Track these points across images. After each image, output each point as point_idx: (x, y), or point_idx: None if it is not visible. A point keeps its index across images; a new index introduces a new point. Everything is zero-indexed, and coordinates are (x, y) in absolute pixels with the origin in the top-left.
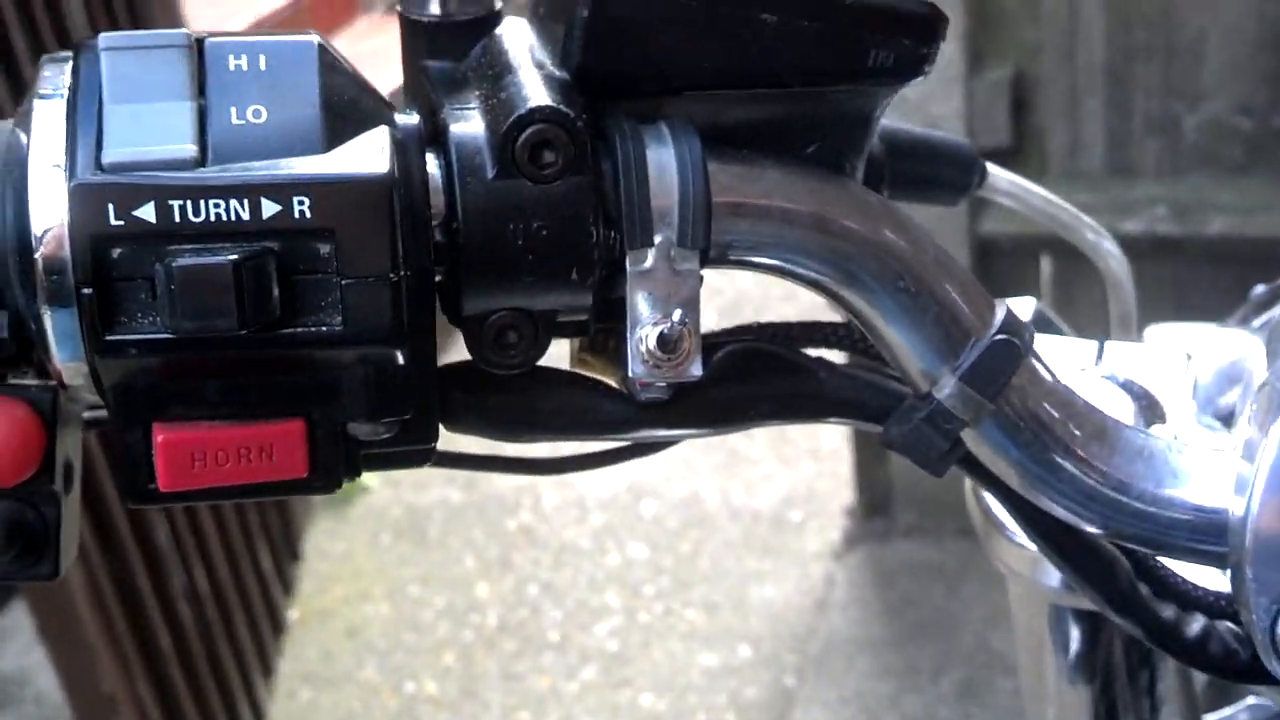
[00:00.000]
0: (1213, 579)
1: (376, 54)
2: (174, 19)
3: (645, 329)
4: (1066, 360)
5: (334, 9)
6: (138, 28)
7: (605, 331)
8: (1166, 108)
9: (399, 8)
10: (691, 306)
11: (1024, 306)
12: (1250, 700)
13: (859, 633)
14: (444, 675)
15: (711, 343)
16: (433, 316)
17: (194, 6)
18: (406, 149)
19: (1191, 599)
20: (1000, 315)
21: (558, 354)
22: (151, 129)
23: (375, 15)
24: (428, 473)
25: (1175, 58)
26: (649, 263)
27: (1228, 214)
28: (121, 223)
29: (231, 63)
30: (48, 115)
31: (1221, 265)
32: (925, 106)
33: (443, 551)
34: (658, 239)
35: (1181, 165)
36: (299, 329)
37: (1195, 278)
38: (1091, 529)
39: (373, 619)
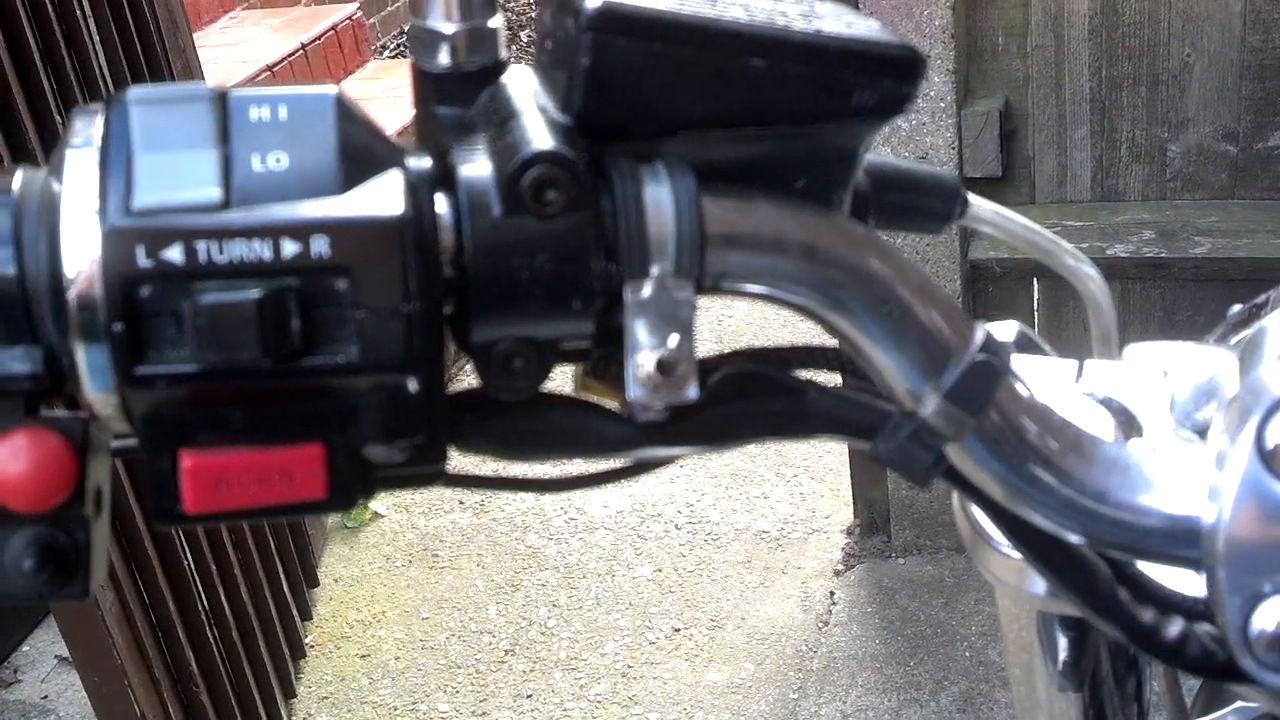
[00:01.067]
0: (1189, 583)
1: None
2: (190, 64)
3: (644, 354)
4: (1048, 379)
5: (344, 53)
6: (155, 74)
7: (606, 357)
8: (1151, 136)
9: (411, 59)
10: (687, 332)
11: (1007, 329)
12: (1238, 704)
13: (860, 649)
14: (456, 695)
15: (707, 366)
16: (442, 345)
17: (209, 50)
18: (418, 190)
19: (1170, 602)
20: (980, 337)
21: (562, 379)
22: (179, 175)
23: (384, 59)
24: (438, 498)
25: (1160, 87)
26: (646, 292)
27: (1213, 237)
28: (151, 263)
29: (253, 113)
30: (79, 163)
31: (1207, 286)
32: (917, 137)
33: (454, 574)
34: (654, 270)
35: (1167, 191)
36: (318, 359)
37: (1182, 298)
38: (1072, 537)
39: (386, 641)
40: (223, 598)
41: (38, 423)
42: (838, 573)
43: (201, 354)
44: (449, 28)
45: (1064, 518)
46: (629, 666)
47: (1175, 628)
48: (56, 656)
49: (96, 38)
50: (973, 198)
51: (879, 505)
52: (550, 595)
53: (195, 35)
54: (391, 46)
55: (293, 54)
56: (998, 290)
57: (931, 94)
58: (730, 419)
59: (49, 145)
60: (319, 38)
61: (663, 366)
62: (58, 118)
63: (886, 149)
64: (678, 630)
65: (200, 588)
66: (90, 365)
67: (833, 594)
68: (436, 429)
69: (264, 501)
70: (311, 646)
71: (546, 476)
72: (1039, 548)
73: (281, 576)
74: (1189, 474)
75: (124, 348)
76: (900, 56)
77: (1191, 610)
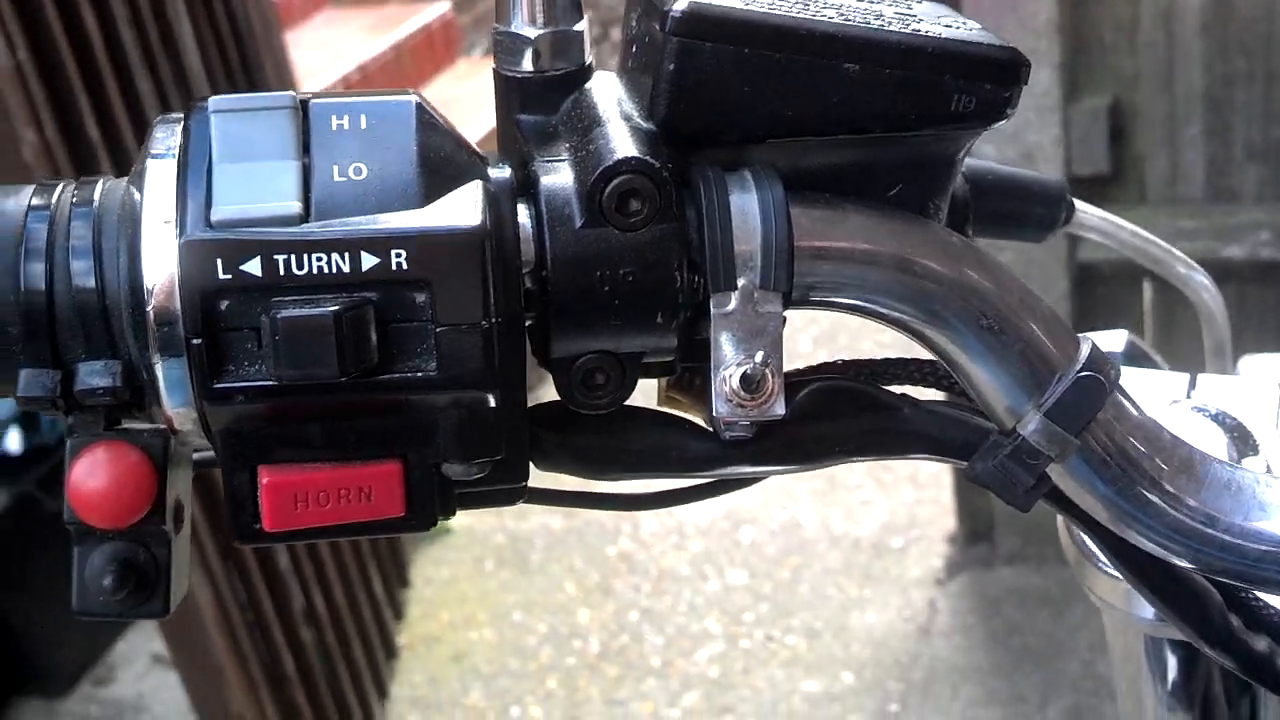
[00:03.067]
0: None
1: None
2: (282, 64)
3: (729, 369)
4: (1158, 393)
5: (434, 52)
6: (249, 73)
7: (692, 370)
8: (1268, 134)
9: (494, 64)
10: (775, 347)
11: (1115, 339)
12: None
13: (963, 660)
14: (548, 700)
15: (795, 380)
16: (523, 360)
17: (301, 50)
18: (499, 201)
19: None
20: (1085, 351)
21: (647, 389)
22: (258, 187)
23: (474, 57)
24: None
25: (1275, 84)
26: (732, 305)
27: None
28: (229, 277)
29: (334, 123)
30: (160, 174)
31: None
32: (1022, 135)
33: (545, 578)
34: (741, 282)
35: None
36: (396, 374)
37: None
38: (1181, 563)
39: (478, 644)
40: (318, 597)
41: (118, 437)
42: (939, 582)
43: (279, 369)
44: (533, 32)
45: (1172, 543)
46: (722, 674)
47: None
48: (152, 655)
49: (192, 39)
50: (1079, 204)
51: (983, 513)
52: (642, 600)
53: (288, 34)
54: (482, 45)
55: (384, 53)
56: (1107, 292)
57: (1037, 90)
58: (819, 437)
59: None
60: (410, 37)
61: (748, 382)
62: (154, 115)
63: (990, 148)
64: (772, 638)
65: (296, 587)
66: (168, 380)
67: (934, 603)
68: (517, 446)
69: (342, 519)
70: (404, 647)
71: (629, 493)
72: (1146, 573)
73: (375, 577)
74: None
75: (202, 362)
76: (1002, 59)
77: None
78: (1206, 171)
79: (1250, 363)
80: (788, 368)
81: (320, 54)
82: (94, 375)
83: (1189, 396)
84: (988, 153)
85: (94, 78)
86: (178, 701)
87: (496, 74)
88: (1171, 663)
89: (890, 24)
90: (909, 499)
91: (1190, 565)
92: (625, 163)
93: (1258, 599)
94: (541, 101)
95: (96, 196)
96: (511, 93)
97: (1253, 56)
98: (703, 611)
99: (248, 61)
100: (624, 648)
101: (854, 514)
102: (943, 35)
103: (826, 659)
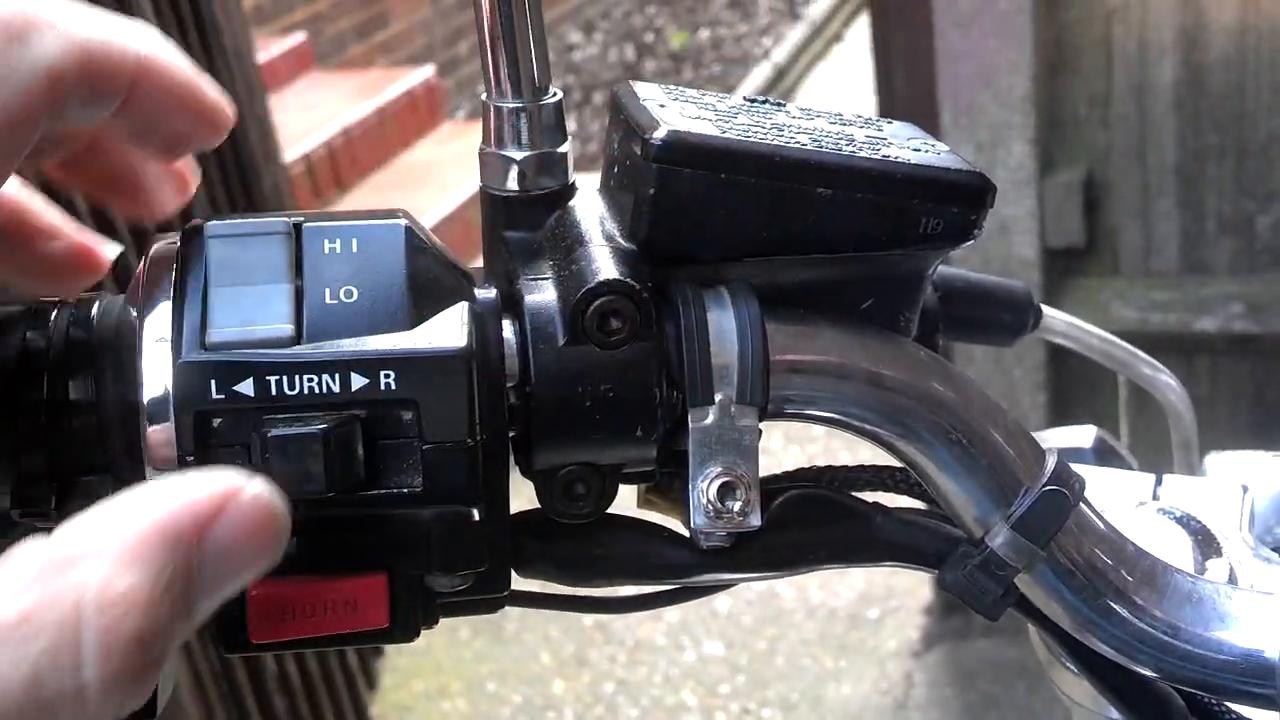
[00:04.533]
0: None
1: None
2: (266, 130)
3: (706, 481)
4: (1125, 494)
5: (418, 116)
6: (234, 140)
7: (671, 474)
8: (1239, 208)
9: (481, 182)
10: (751, 459)
11: (1084, 435)
12: None
13: None
14: None
15: (770, 488)
16: (507, 473)
17: (286, 114)
18: (484, 321)
19: None
20: (1050, 465)
21: (626, 491)
22: (252, 309)
23: (458, 120)
24: None
25: (1247, 159)
26: (710, 419)
27: None
28: (222, 396)
29: (326, 246)
30: (155, 295)
31: None
32: (998, 208)
33: (519, 648)
34: (718, 396)
35: (1257, 264)
36: (382, 490)
37: (1273, 373)
38: (1144, 670)
39: (450, 715)
40: (292, 665)
41: None
42: (916, 654)
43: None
44: (519, 154)
45: (1136, 651)
46: None
47: None
48: None
49: None
50: (1046, 310)
51: None
52: (617, 671)
53: (271, 97)
54: (465, 109)
55: (368, 117)
56: (1081, 365)
57: (1012, 163)
58: (793, 546)
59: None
60: (394, 101)
61: (725, 494)
62: None
63: None
64: (748, 711)
65: (269, 655)
66: None
67: (910, 676)
68: (500, 557)
69: (327, 631)
70: (377, 717)
71: (608, 597)
72: (1110, 679)
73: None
74: (1263, 608)
75: None
76: (969, 184)
77: None
78: (1180, 244)
79: (1216, 461)
80: (763, 472)
81: (305, 117)
82: (89, 492)
83: (1155, 497)
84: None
85: None
86: None
87: (483, 191)
88: None
89: (861, 149)
90: (885, 569)
91: (1153, 673)
92: (607, 284)
93: (1220, 704)
94: (526, 219)
95: (94, 315)
96: (497, 210)
97: (1224, 131)
98: (678, 683)
99: (232, 129)
100: (599, 719)
101: (830, 584)
102: (911, 160)
103: None
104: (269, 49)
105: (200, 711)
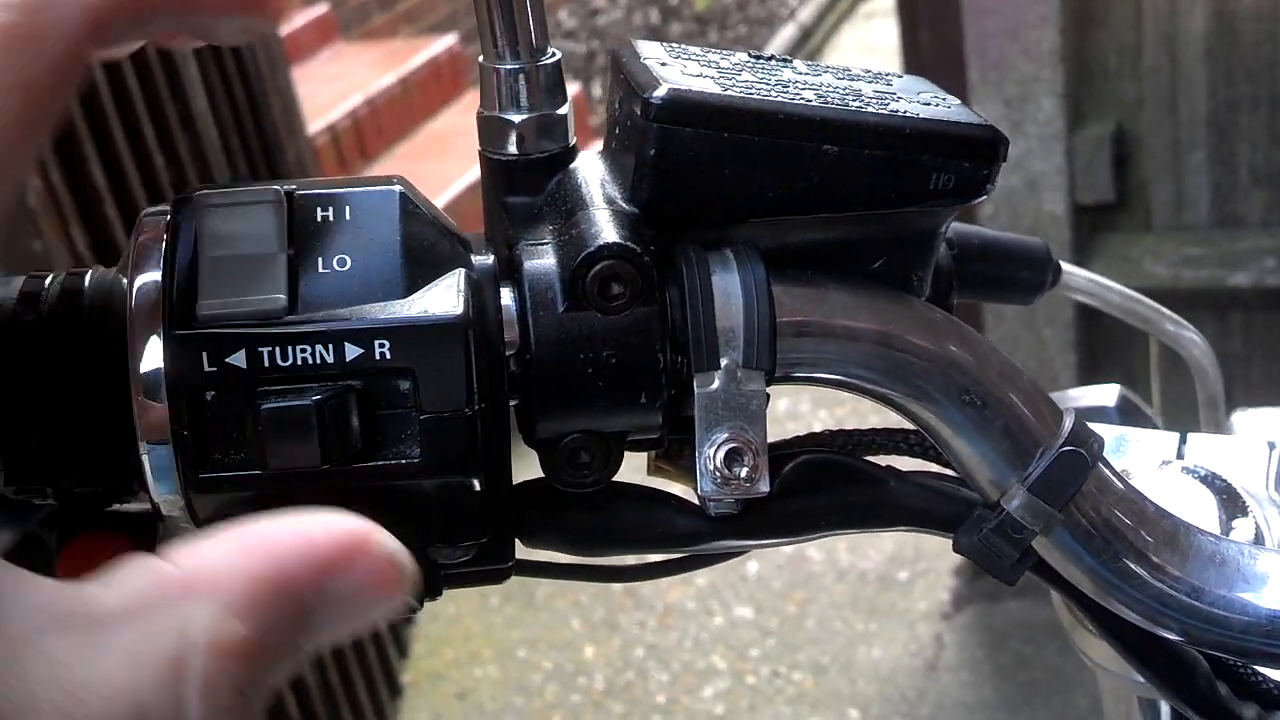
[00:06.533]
0: None
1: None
2: (289, 103)
3: (713, 448)
4: (1149, 454)
5: (441, 85)
6: (256, 113)
7: (680, 441)
8: (1272, 159)
9: (479, 147)
10: (758, 424)
11: (1107, 394)
12: None
13: (970, 695)
14: None
15: (781, 453)
16: (508, 442)
17: (310, 85)
18: (481, 288)
19: (1273, 698)
20: (1068, 425)
21: (638, 457)
22: (243, 280)
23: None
24: None
25: (1279, 108)
26: (716, 384)
27: None
28: (215, 369)
29: (319, 214)
30: (147, 266)
31: None
32: (1026, 164)
33: (550, 614)
34: (724, 361)
35: None
36: (380, 462)
37: None
38: (1166, 634)
39: (482, 681)
40: None
41: (106, 524)
42: (946, 616)
43: (264, 458)
44: (517, 116)
45: (1158, 614)
46: (728, 712)
47: None
48: None
49: (199, 82)
50: (1066, 267)
51: None
52: (647, 636)
53: (295, 69)
54: None
55: (390, 86)
56: (1112, 323)
57: (1040, 118)
58: (804, 512)
59: (151, 191)
60: (417, 70)
61: (732, 461)
62: (160, 159)
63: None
64: (778, 674)
65: None
66: (155, 468)
67: (941, 637)
68: (503, 527)
69: None
70: (409, 685)
71: (617, 565)
72: (1133, 643)
73: None
74: None
75: (188, 452)
76: (980, 138)
77: None
78: (1211, 198)
79: (1243, 419)
80: (772, 437)
81: (329, 88)
82: (81, 464)
83: (1180, 456)
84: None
85: (99, 123)
86: None
87: (482, 156)
88: None
89: (869, 104)
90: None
91: (1176, 636)
92: (607, 248)
93: (1245, 667)
94: (526, 183)
95: (86, 287)
96: (497, 175)
97: (1256, 81)
98: (708, 647)
99: (255, 101)
100: (629, 684)
101: (860, 547)
102: (920, 115)
103: (833, 695)
104: (292, 20)
105: None
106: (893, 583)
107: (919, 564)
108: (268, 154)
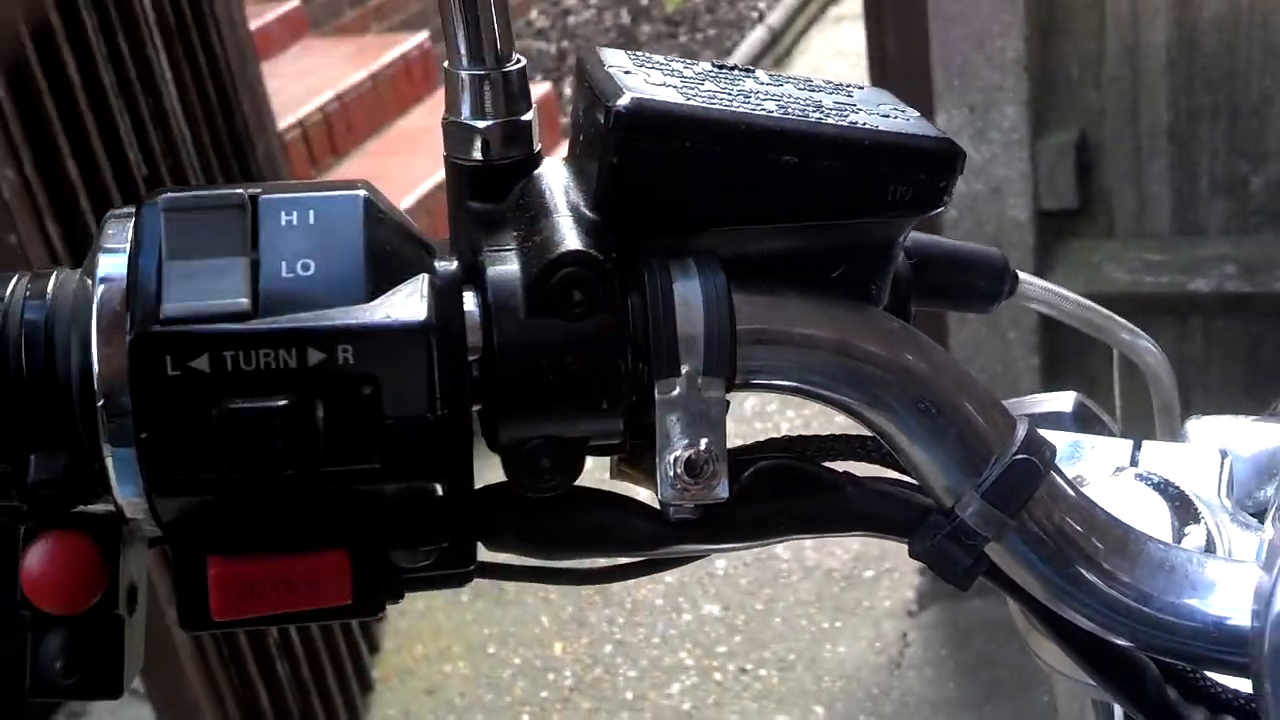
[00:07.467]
0: (1243, 681)
1: None
2: (259, 99)
3: (674, 454)
4: (1103, 460)
5: (412, 82)
6: (226, 109)
7: (643, 445)
8: (1232, 168)
9: (444, 152)
10: (718, 431)
11: (1063, 400)
12: None
13: (934, 692)
14: None
15: (740, 459)
16: (470, 447)
17: (280, 80)
18: (444, 295)
19: (1220, 702)
20: (1021, 434)
21: (602, 460)
22: (207, 283)
23: None
24: None
25: (1240, 119)
26: (676, 391)
27: None
28: (178, 372)
29: (283, 218)
30: (111, 268)
31: None
32: (990, 170)
33: (519, 610)
34: (684, 368)
35: (1249, 225)
36: (342, 466)
37: (1265, 334)
38: (1116, 639)
39: (452, 677)
40: (294, 631)
41: (69, 526)
42: (911, 614)
43: (227, 462)
44: (482, 123)
45: (1108, 620)
46: (695, 708)
47: None
48: (128, 689)
49: (170, 77)
50: (1023, 275)
51: None
52: (616, 633)
53: (266, 64)
54: None
55: (361, 82)
56: (1076, 329)
57: (1005, 126)
58: (763, 517)
59: (125, 185)
60: (388, 67)
61: (692, 467)
62: (132, 154)
63: (960, 185)
64: (745, 670)
65: None
66: (119, 470)
67: (906, 635)
68: (464, 532)
69: (289, 608)
70: (379, 681)
71: (577, 569)
72: (1084, 647)
73: None
74: (1236, 576)
75: (151, 455)
76: (937, 150)
77: (1242, 710)
78: (1173, 205)
79: (1196, 426)
80: (739, 437)
81: (299, 83)
82: (46, 467)
83: (1134, 463)
84: (957, 189)
85: (73, 116)
86: None
87: (447, 161)
88: None
89: (828, 115)
90: None
91: (1126, 642)
92: (570, 255)
93: (1193, 671)
94: (491, 189)
95: (50, 289)
96: (462, 180)
97: (1216, 91)
98: (676, 644)
99: (225, 97)
100: (598, 680)
101: (826, 545)
102: (879, 127)
103: (798, 692)
104: (262, 15)
105: (202, 677)
106: (859, 581)
107: (884, 562)
108: (238, 150)
